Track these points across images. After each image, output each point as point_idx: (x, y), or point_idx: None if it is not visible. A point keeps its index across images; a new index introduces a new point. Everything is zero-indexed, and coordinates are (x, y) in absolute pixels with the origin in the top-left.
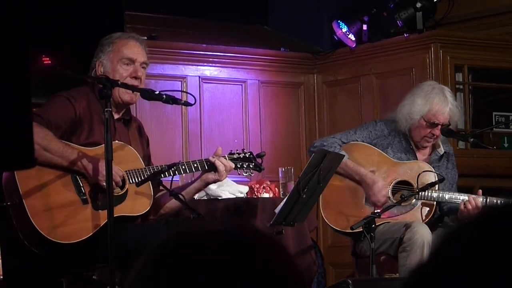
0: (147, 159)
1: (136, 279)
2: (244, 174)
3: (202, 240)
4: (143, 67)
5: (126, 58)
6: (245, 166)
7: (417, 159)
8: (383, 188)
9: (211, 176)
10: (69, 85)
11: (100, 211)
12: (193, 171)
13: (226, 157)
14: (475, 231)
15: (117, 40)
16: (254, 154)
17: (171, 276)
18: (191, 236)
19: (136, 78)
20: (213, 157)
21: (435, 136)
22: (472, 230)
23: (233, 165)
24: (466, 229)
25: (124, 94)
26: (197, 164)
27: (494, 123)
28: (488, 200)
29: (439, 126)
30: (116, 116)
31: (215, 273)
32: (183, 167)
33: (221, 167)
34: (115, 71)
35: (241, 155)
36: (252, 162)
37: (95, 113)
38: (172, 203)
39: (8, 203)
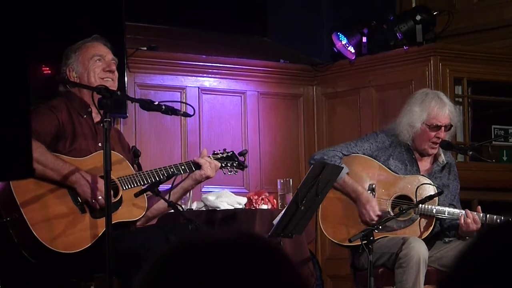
0: (132, 163)
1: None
2: (229, 174)
3: (209, 250)
4: (113, 63)
5: (96, 55)
6: (229, 165)
7: (419, 169)
8: (376, 208)
9: (198, 172)
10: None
11: (98, 219)
12: (181, 173)
13: (211, 157)
14: (479, 248)
15: (81, 45)
16: (237, 153)
17: (178, 285)
18: (197, 247)
19: (110, 71)
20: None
21: (440, 140)
22: (477, 248)
23: (219, 164)
24: (473, 247)
25: (104, 82)
26: (184, 166)
27: (493, 136)
28: (487, 217)
29: (443, 128)
30: (96, 119)
31: (226, 283)
32: (171, 170)
33: (202, 161)
34: (88, 69)
35: (224, 155)
36: (235, 161)
37: (75, 121)
38: (159, 205)
39: (8, 219)
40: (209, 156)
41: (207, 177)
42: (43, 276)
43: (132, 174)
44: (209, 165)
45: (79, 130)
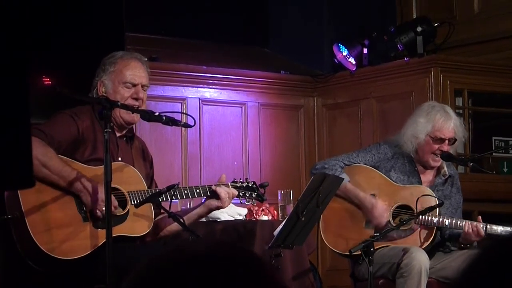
0: (150, 178)
1: None
2: (246, 203)
3: (174, 268)
4: (144, 89)
5: (129, 82)
6: (247, 195)
7: (421, 181)
8: (383, 211)
9: (214, 202)
10: (69, 105)
11: (99, 229)
12: (195, 197)
13: (229, 184)
14: (484, 261)
15: (119, 60)
16: (257, 184)
17: None
18: (160, 264)
19: (137, 99)
20: (216, 185)
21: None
22: (482, 260)
23: (236, 192)
24: (478, 259)
25: (124, 114)
26: (199, 190)
27: (493, 148)
28: (488, 227)
29: (446, 141)
30: (118, 134)
31: None
32: (185, 191)
33: (223, 193)
34: (116, 92)
35: (244, 184)
36: (255, 192)
37: (98, 131)
38: (172, 227)
39: (9, 216)
40: (227, 184)
41: (222, 207)
42: (43, 280)
43: (143, 190)
44: (227, 196)
45: (100, 142)
